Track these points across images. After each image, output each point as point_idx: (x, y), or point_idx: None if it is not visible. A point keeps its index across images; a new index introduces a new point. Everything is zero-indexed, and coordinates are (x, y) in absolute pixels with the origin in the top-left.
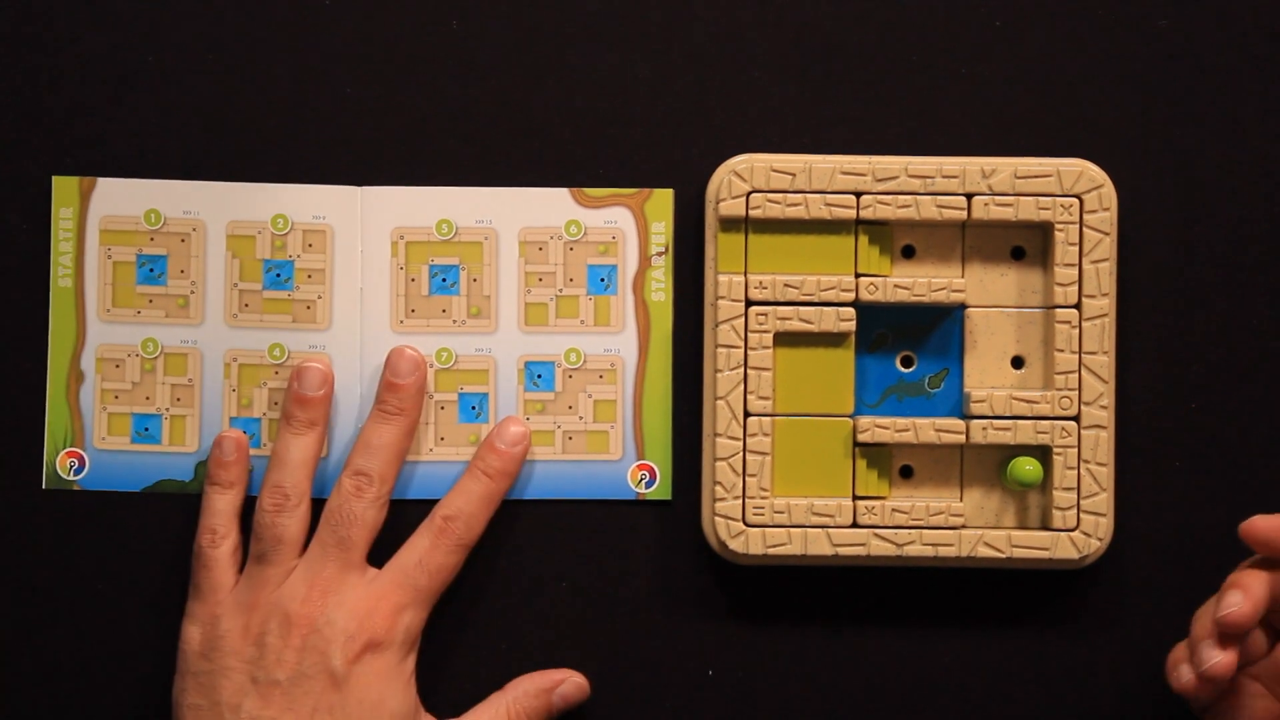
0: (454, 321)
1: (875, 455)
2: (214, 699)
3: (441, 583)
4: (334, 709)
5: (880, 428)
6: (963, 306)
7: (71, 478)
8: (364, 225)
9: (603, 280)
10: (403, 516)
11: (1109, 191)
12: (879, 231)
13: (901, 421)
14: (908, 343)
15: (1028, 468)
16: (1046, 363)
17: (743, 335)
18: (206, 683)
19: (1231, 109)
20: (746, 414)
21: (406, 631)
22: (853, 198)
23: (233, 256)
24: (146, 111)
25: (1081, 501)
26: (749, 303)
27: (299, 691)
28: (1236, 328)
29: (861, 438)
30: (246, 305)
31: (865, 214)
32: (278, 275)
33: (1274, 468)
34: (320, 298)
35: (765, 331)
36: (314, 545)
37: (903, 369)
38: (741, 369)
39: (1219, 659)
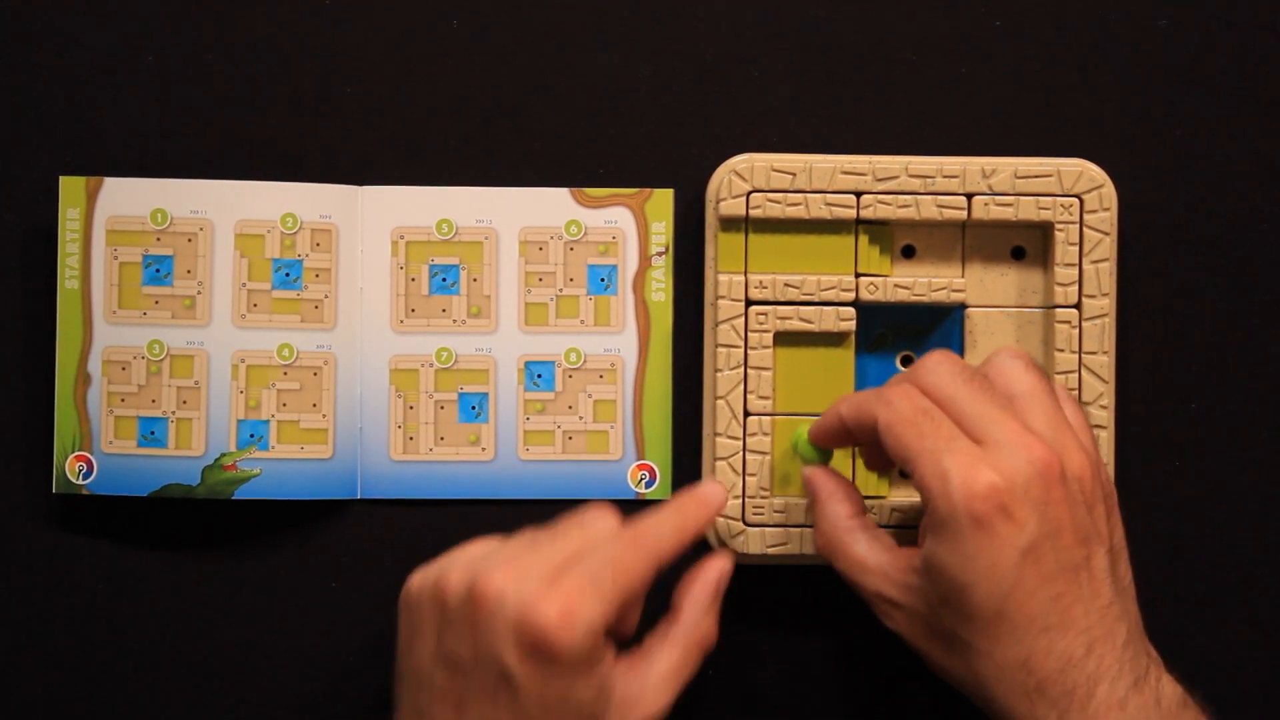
0: (454, 321)
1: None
2: None
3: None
4: None
5: None
6: (963, 306)
7: (80, 482)
8: (364, 225)
9: (603, 280)
10: (401, 518)
11: (1109, 191)
12: (879, 231)
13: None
14: (908, 342)
15: (808, 441)
16: (1046, 363)
17: (743, 335)
18: None
19: (1231, 109)
20: (746, 414)
21: None
22: (853, 197)
23: (241, 256)
24: (150, 111)
25: None
26: (749, 302)
27: None
28: (1236, 328)
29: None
30: (255, 305)
31: (865, 214)
32: (287, 275)
33: (1274, 468)
34: (327, 297)
35: (765, 331)
36: None
37: (903, 369)
38: (741, 369)
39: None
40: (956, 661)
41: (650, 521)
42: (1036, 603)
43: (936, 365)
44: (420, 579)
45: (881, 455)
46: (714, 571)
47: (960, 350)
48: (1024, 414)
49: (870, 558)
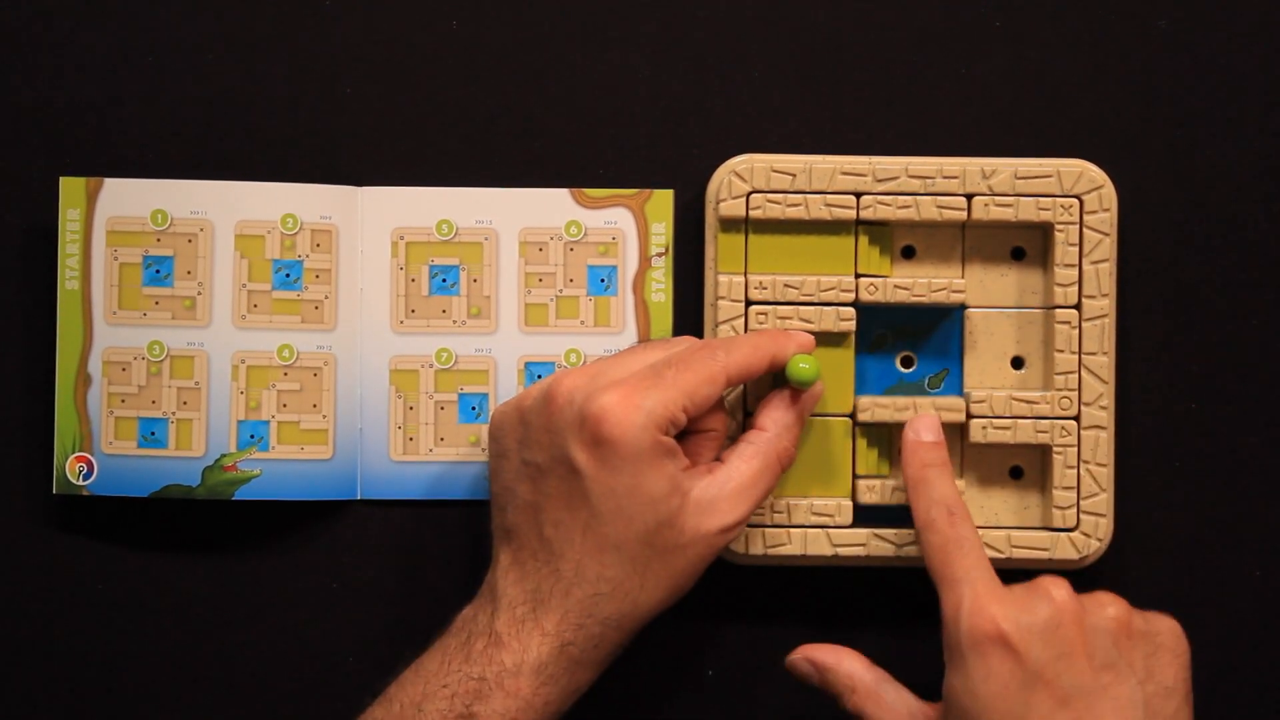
0: (454, 322)
1: (875, 434)
2: None
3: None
4: None
5: (880, 407)
6: (963, 307)
7: (80, 483)
8: (364, 225)
9: (603, 281)
10: (401, 518)
11: (1109, 192)
12: (879, 232)
13: (901, 401)
14: (907, 343)
15: (803, 365)
16: (1046, 363)
17: None
18: None
19: (1231, 109)
20: (746, 414)
21: None
22: (853, 198)
23: (241, 256)
24: (150, 111)
25: (1081, 501)
26: (749, 303)
27: None
28: (1236, 328)
29: (862, 418)
30: (255, 306)
31: (865, 214)
32: (287, 275)
33: (1274, 468)
34: (327, 298)
35: None
36: None
37: (903, 369)
38: None
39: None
40: None
41: (728, 338)
42: None
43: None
44: (502, 403)
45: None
46: (811, 401)
47: (960, 350)
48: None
49: (900, 704)
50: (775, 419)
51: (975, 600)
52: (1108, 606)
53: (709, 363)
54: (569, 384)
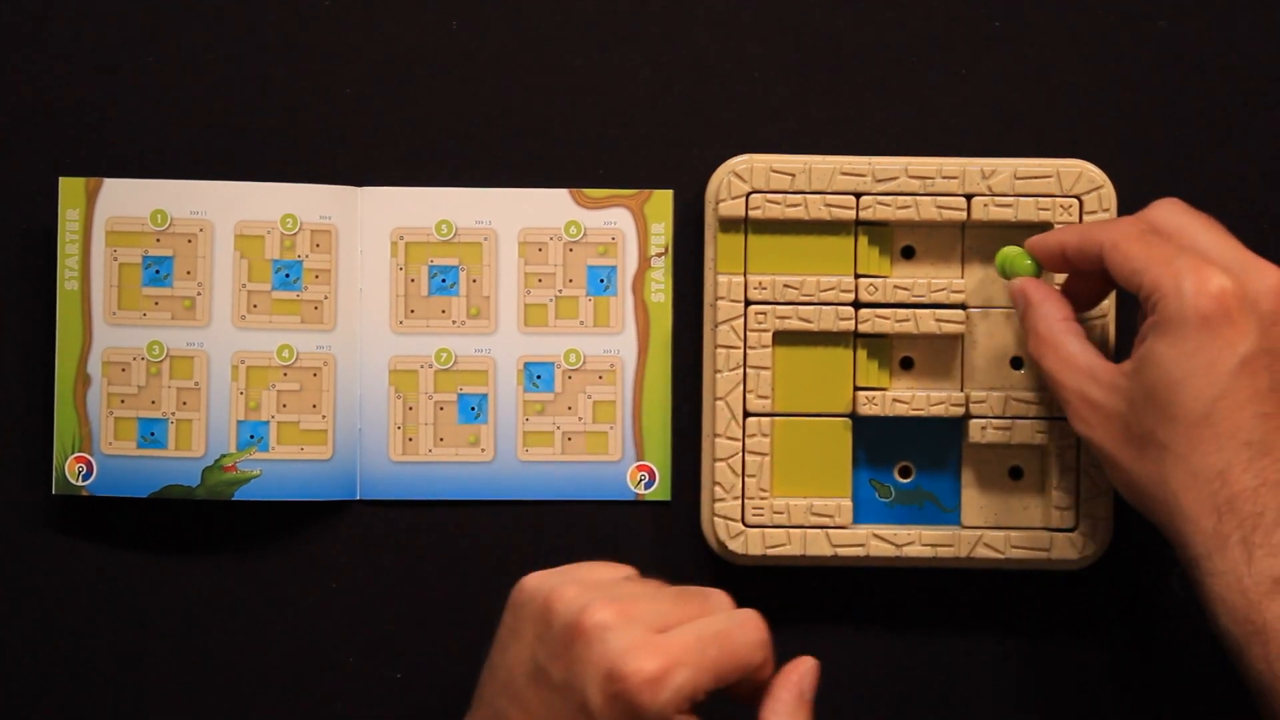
0: (453, 322)
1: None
2: None
3: None
4: None
5: (880, 318)
6: (963, 307)
7: (80, 483)
8: (363, 225)
9: (602, 281)
10: (401, 518)
11: (1109, 192)
12: (879, 232)
13: (901, 312)
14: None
15: (1014, 253)
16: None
17: (742, 336)
18: None
19: (1231, 109)
20: (746, 414)
21: None
22: (852, 198)
23: (241, 257)
24: (150, 111)
25: (1081, 503)
26: (748, 303)
27: None
28: None
29: (863, 329)
30: (255, 306)
31: (865, 214)
32: (287, 275)
33: None
34: (327, 298)
35: (764, 330)
36: None
37: (901, 479)
38: (741, 370)
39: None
40: (1148, 467)
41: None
42: (1245, 415)
43: (1165, 205)
44: (536, 583)
45: (1091, 284)
46: (796, 674)
47: (960, 350)
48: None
49: (1081, 356)
50: (777, 708)
51: (1201, 269)
52: None
53: (752, 639)
54: (605, 618)
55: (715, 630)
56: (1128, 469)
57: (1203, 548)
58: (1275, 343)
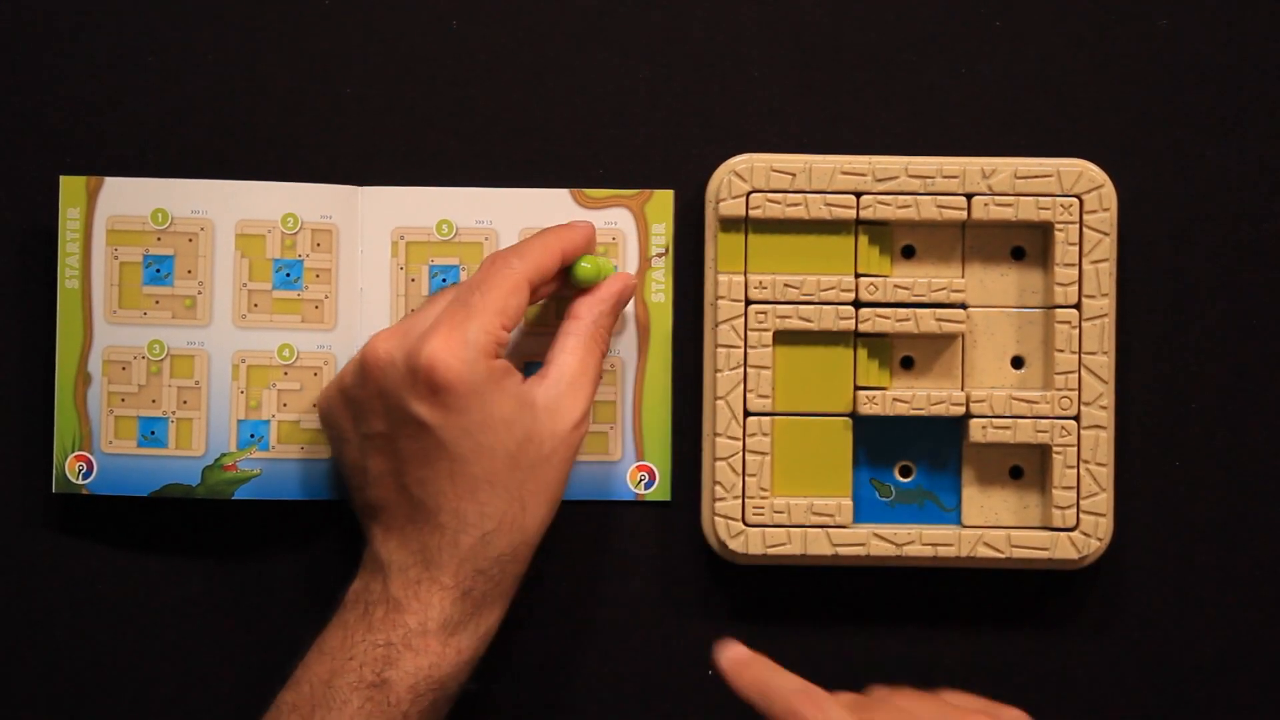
0: None
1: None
2: None
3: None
4: None
5: (880, 318)
6: (963, 306)
7: (80, 482)
8: (364, 225)
9: None
10: None
11: (1109, 191)
12: (879, 231)
13: (901, 312)
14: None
15: (584, 265)
16: (1046, 363)
17: (742, 335)
18: None
19: (1231, 109)
20: (746, 414)
21: None
22: (853, 198)
23: (241, 256)
24: (150, 111)
25: (1081, 501)
26: (749, 302)
27: None
28: (1236, 328)
29: (863, 328)
30: (255, 305)
31: (865, 214)
32: (287, 275)
33: (1273, 468)
34: (327, 297)
35: (765, 330)
36: None
37: (901, 478)
38: (741, 369)
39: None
40: None
41: (517, 244)
42: None
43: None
44: (322, 389)
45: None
46: (617, 284)
47: (960, 349)
48: None
49: None
50: (588, 304)
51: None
52: None
53: (508, 274)
54: (384, 347)
55: (468, 283)
56: None
57: None
58: None
